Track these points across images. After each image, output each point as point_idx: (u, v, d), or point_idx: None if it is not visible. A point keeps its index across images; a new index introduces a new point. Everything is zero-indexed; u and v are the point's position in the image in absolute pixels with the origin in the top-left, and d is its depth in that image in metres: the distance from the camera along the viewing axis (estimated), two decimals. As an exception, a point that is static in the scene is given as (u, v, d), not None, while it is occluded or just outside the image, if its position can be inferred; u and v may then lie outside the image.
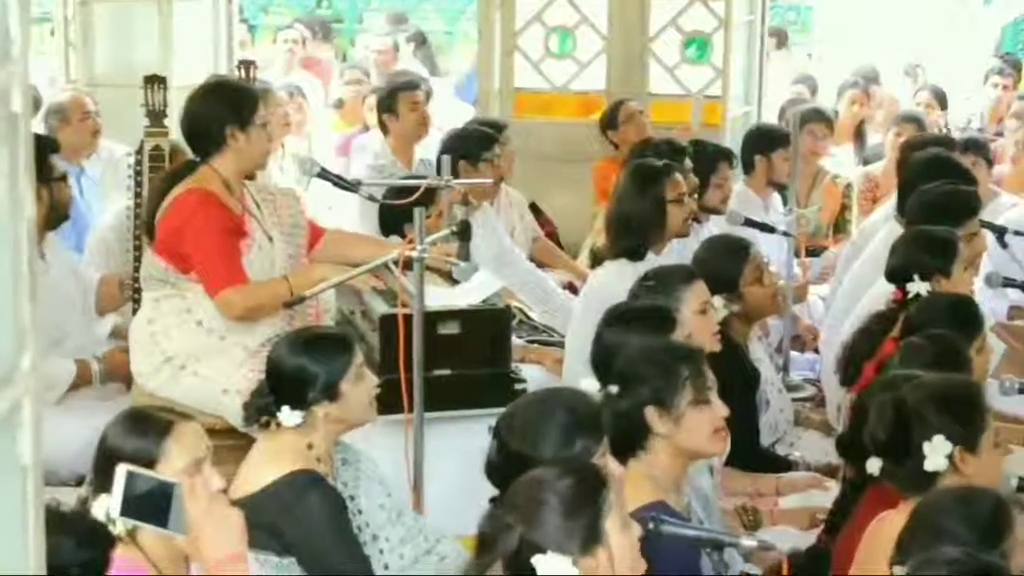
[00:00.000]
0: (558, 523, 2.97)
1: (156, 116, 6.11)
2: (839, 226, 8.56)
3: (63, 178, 5.96)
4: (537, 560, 2.92)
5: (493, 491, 3.55)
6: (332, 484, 4.14)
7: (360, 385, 4.16)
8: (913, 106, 10.17)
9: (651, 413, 3.92)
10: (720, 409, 3.99)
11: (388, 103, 8.26)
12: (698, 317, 4.84)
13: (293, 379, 4.11)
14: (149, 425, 3.39)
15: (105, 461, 3.31)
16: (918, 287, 5.20)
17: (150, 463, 3.28)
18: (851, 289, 6.55)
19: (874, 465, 3.94)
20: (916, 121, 9.14)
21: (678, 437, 3.93)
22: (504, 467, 3.50)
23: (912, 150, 7.20)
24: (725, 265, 5.41)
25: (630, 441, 3.90)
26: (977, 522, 3.19)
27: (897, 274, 5.36)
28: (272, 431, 4.18)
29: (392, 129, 8.16)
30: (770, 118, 9.54)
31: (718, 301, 5.22)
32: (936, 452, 3.70)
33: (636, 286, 4.95)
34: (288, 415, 4.09)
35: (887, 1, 13.49)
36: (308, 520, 4.01)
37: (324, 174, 5.31)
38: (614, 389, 3.99)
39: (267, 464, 4.11)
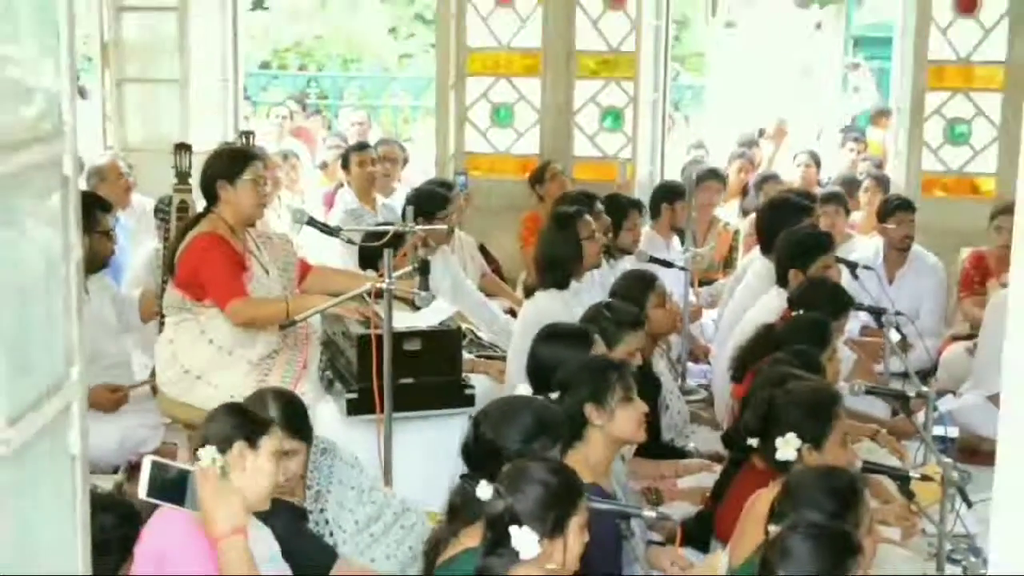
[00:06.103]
0: (539, 506, 3.05)
1: (182, 176, 6.11)
2: (727, 262, 8.63)
3: (106, 233, 5.88)
4: (513, 530, 3.00)
5: (449, 477, 3.60)
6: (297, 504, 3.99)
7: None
8: (794, 167, 10.29)
9: (589, 408, 3.99)
10: (641, 406, 4.08)
11: (344, 162, 8.48)
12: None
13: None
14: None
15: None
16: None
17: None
18: (733, 311, 6.61)
19: (754, 441, 4.06)
20: (772, 178, 9.52)
21: (611, 427, 4.01)
22: (476, 451, 3.60)
23: (772, 206, 7.14)
24: (635, 292, 5.47)
25: (570, 434, 3.94)
26: (835, 493, 3.25)
27: (797, 302, 5.43)
28: None
29: (349, 183, 8.32)
30: (669, 175, 9.61)
31: None
32: (787, 446, 3.87)
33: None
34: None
35: (763, 80, 13.73)
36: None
37: (312, 222, 5.31)
38: (554, 395, 4.04)
39: None
